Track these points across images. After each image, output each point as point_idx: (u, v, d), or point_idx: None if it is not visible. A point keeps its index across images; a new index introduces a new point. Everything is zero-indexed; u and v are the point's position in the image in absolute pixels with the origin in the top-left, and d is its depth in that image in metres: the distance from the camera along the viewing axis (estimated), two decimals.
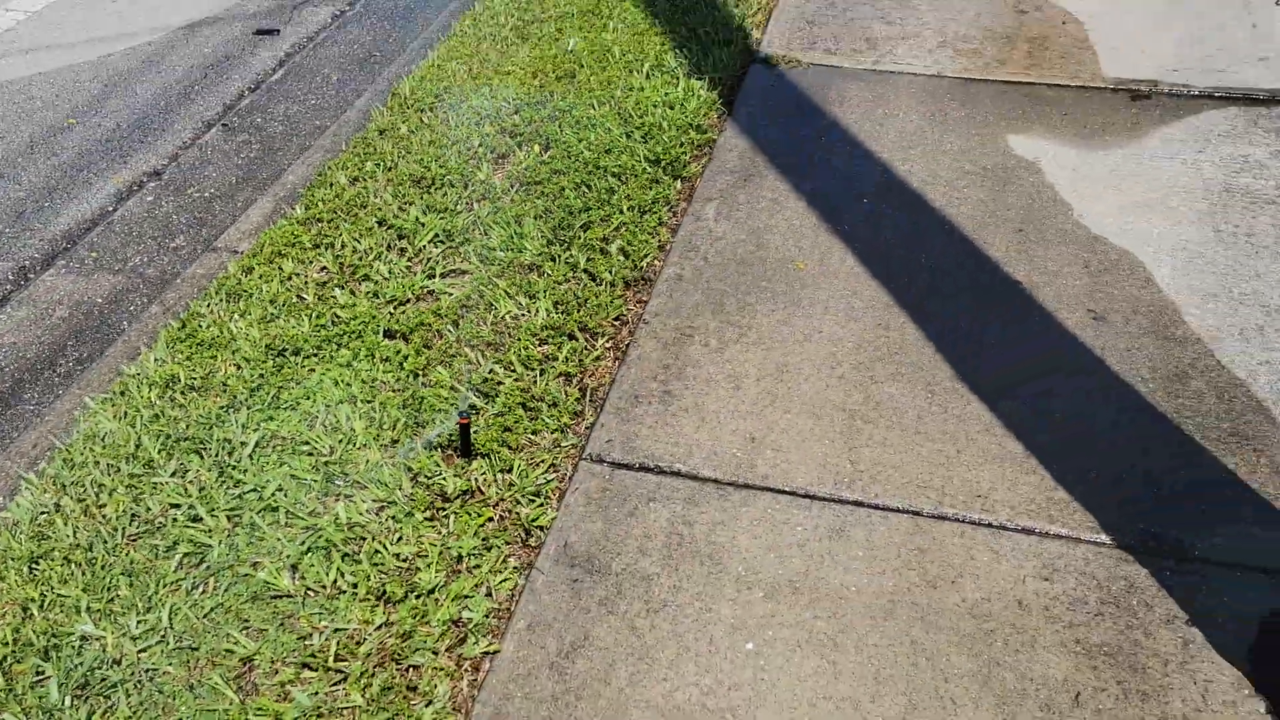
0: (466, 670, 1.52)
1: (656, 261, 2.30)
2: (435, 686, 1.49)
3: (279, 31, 3.74)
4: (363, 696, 1.48)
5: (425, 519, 1.73)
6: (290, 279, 2.29)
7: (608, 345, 2.08)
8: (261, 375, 2.03)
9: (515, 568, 1.67)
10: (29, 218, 2.80)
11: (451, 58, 3.09)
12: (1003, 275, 2.21)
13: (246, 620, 1.60)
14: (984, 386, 1.95)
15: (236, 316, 2.19)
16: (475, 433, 1.86)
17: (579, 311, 2.13)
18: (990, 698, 1.45)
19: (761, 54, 3.01)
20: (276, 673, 1.52)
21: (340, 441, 1.87)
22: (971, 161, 2.54)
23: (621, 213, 2.38)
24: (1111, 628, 1.54)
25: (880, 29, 3.11)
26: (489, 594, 1.62)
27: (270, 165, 3.01)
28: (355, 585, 1.63)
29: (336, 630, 1.57)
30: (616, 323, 2.13)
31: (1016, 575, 1.63)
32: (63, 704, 1.49)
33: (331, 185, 2.59)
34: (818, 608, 1.58)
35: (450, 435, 1.86)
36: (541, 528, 1.72)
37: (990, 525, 1.71)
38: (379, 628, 1.57)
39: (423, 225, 2.40)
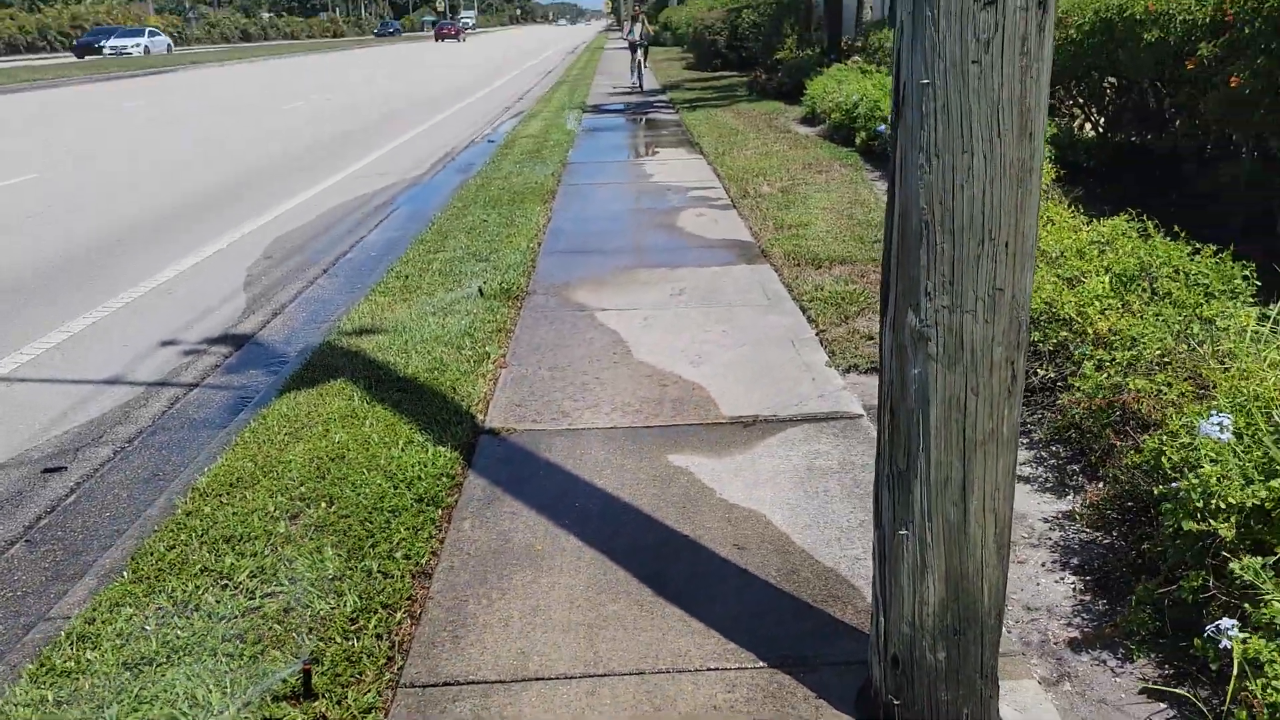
0: None
1: (432, 561, 3.08)
2: None
3: (66, 468, 4.34)
4: None
5: None
6: (131, 619, 2.81)
7: (405, 615, 2.78)
8: (122, 684, 2.52)
9: None
10: None
11: (240, 457, 3.87)
12: (676, 532, 3.21)
13: None
14: (674, 597, 2.85)
15: (89, 650, 2.67)
16: (314, 679, 2.46)
17: (379, 597, 2.84)
18: None
19: (486, 428, 4.07)
20: None
21: (201, 710, 2.39)
22: (644, 473, 3.64)
23: (400, 533, 3.18)
24: (774, 710, 2.37)
25: (570, 405, 4.31)
26: None
27: (78, 564, 3.51)
28: None
29: None
30: (410, 600, 2.86)
31: (710, 692, 2.44)
32: None
33: (152, 553, 3.18)
34: None
35: (295, 681, 2.44)
36: None
37: (690, 670, 2.53)
38: None
39: (239, 567, 3.05)
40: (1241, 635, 1.97)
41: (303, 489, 3.56)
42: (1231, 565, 2.16)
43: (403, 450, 3.80)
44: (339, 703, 2.41)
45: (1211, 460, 2.35)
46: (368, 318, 5.64)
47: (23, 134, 17.37)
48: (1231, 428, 2.39)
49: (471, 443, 3.94)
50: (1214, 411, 2.46)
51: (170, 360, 5.60)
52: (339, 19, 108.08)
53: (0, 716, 2.43)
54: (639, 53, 22.53)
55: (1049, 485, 3.43)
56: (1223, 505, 2.25)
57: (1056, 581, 2.89)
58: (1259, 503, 2.21)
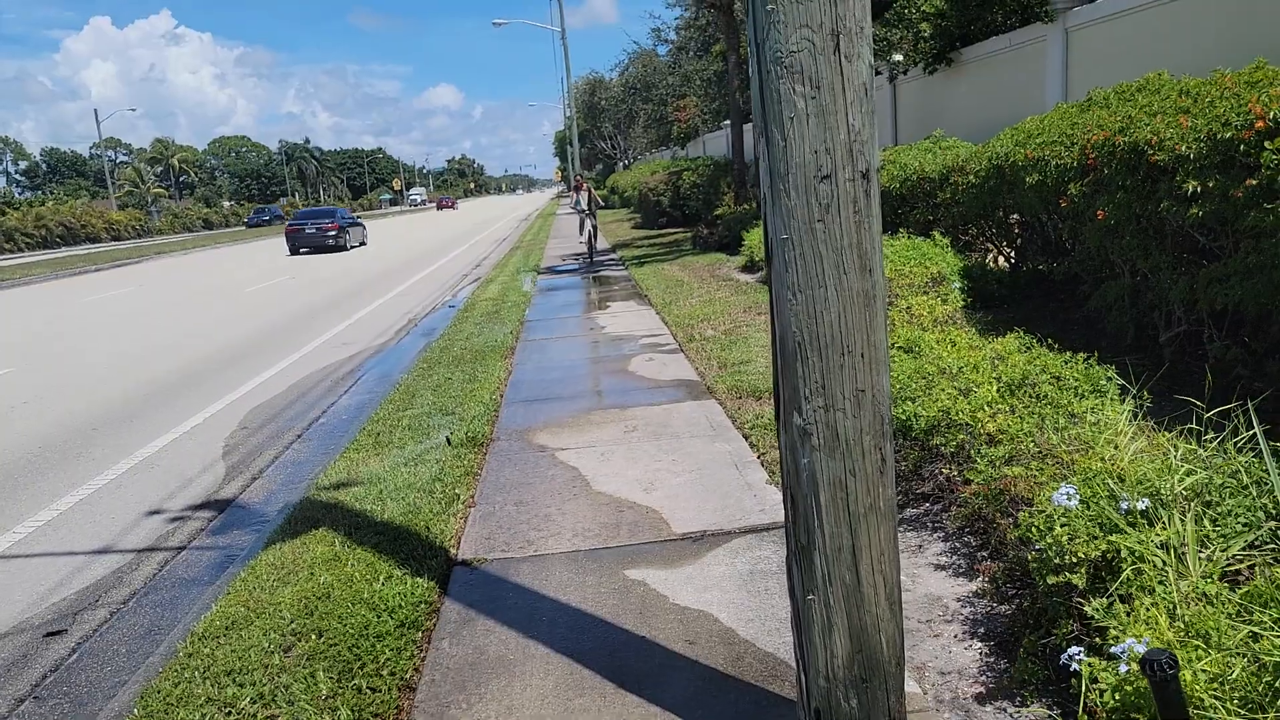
0: None
1: (416, 676, 3.43)
2: None
3: (66, 630, 4.62)
4: None
5: None
6: None
7: None
8: None
9: None
10: None
11: (233, 603, 4.21)
12: (634, 634, 3.59)
13: None
14: (634, 688, 3.22)
15: None
16: None
17: (369, 709, 3.17)
18: None
19: (459, 559, 4.46)
20: None
21: None
22: (605, 587, 4.03)
23: (385, 654, 3.53)
24: None
25: (535, 534, 4.72)
26: None
27: (86, 712, 3.79)
28: None
29: None
30: (397, 709, 3.19)
31: None
32: None
33: (159, 691, 3.49)
34: None
35: None
36: None
37: None
38: None
39: (240, 695, 3.37)
40: (1087, 660, 2.40)
41: (293, 625, 3.90)
42: (1086, 608, 2.61)
43: (384, 584, 4.16)
44: None
45: (1062, 524, 2.83)
46: (344, 473, 6.05)
47: (7, 330, 17.83)
48: (1078, 496, 2.88)
49: (446, 573, 4.32)
50: (1064, 484, 2.96)
51: (157, 528, 5.93)
52: (298, 202, 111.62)
53: None
54: (588, 221, 20.95)
55: (961, 570, 3.88)
56: (1073, 559, 2.73)
57: (965, 649, 3.31)
58: (1100, 553, 2.69)
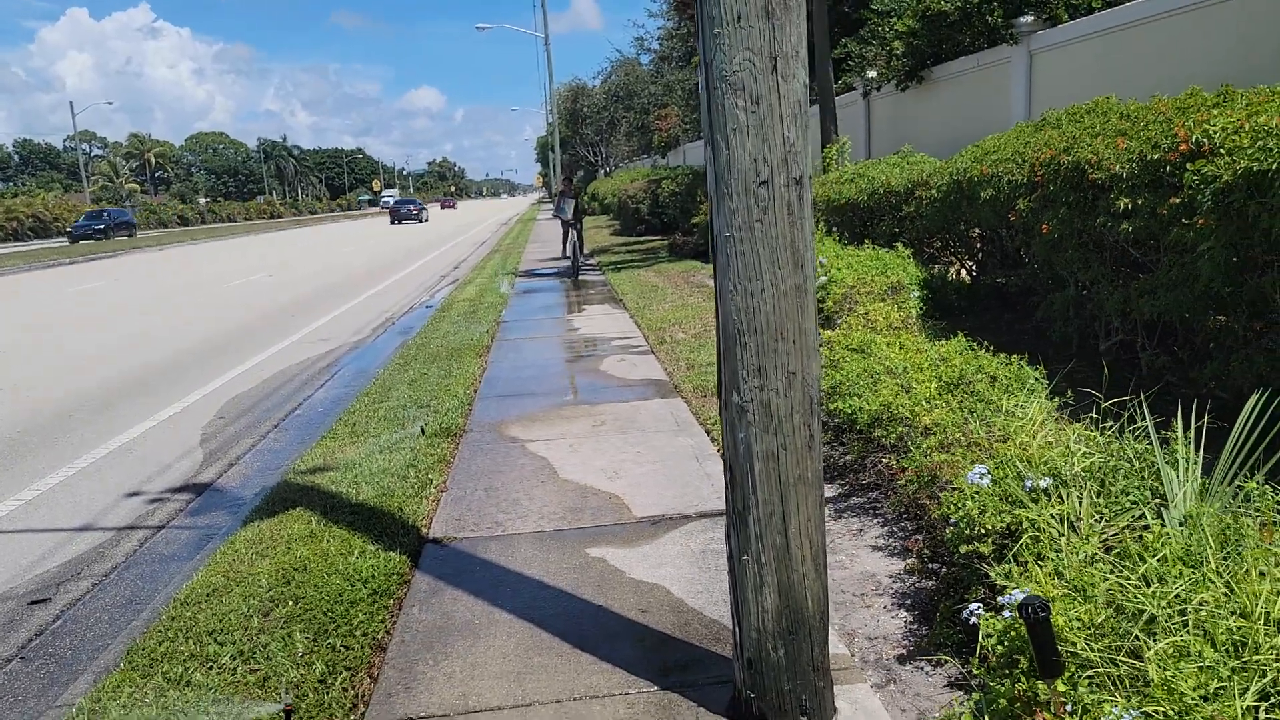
0: None
1: (387, 637, 3.69)
2: None
3: (50, 599, 4.84)
4: None
5: None
6: (132, 695, 3.35)
7: (365, 675, 3.38)
8: None
9: None
10: None
11: (214, 574, 4.45)
12: (591, 603, 3.87)
13: None
14: (588, 649, 3.50)
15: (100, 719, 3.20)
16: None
17: (343, 664, 3.43)
18: None
19: (430, 538, 4.72)
20: None
21: None
22: (566, 563, 4.31)
23: (358, 618, 3.79)
24: (665, 717, 3.02)
25: (503, 516, 4.99)
26: None
27: (71, 670, 4.02)
28: None
29: None
30: (369, 665, 3.45)
31: (615, 710, 3.07)
32: None
33: (143, 649, 3.73)
34: None
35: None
36: None
37: (599, 697, 3.17)
38: None
39: (221, 652, 3.62)
40: (985, 614, 2.70)
41: (271, 593, 4.15)
42: (991, 574, 2.92)
43: (358, 558, 4.42)
44: None
45: (974, 499, 3.14)
46: (320, 459, 6.29)
47: None
48: (989, 476, 3.20)
49: (418, 550, 4.58)
50: (977, 465, 3.28)
51: (137, 508, 6.14)
52: (275, 201, 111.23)
53: None
54: (573, 232, 18.15)
55: (895, 551, 4.19)
56: (982, 530, 3.04)
57: (892, 618, 3.62)
58: (1005, 525, 3.00)
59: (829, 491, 5.03)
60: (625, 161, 54.57)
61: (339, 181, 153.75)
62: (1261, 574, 2.23)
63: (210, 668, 3.53)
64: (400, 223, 59.72)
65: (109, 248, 44.38)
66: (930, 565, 3.77)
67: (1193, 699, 1.91)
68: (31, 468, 7.09)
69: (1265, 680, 1.95)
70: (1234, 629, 2.09)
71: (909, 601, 3.71)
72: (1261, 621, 2.08)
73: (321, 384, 9.73)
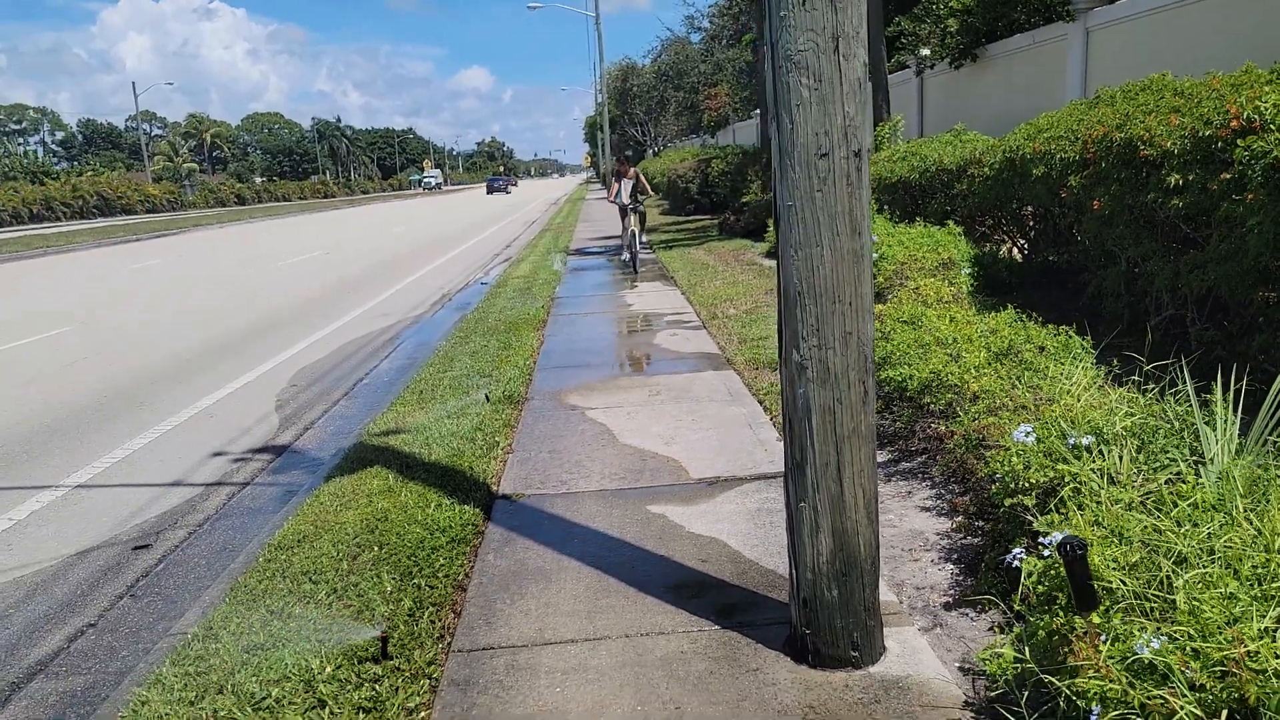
0: None
1: (466, 579, 3.99)
2: None
3: (151, 545, 5.23)
4: None
5: (371, 680, 3.16)
6: (239, 624, 3.69)
7: (449, 611, 3.68)
8: (244, 660, 3.39)
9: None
10: None
11: (303, 522, 4.79)
12: (653, 554, 4.14)
13: None
14: (653, 593, 3.77)
15: (212, 643, 3.55)
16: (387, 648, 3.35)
17: (429, 600, 3.74)
18: (679, 681, 3.11)
19: (500, 494, 5.02)
20: None
21: (309, 672, 3.27)
22: (629, 518, 4.58)
23: (439, 562, 4.09)
24: (725, 651, 3.27)
25: (567, 476, 5.27)
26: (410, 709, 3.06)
27: (178, 607, 4.39)
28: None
29: None
30: (452, 602, 3.76)
31: (679, 645, 3.34)
32: None
33: (245, 587, 4.07)
34: (584, 675, 3.18)
35: (374, 649, 3.33)
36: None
37: (664, 633, 3.43)
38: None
39: (317, 590, 3.94)
40: (1027, 558, 2.91)
41: (357, 540, 4.48)
42: (1034, 524, 3.13)
43: (435, 510, 4.73)
44: (408, 661, 3.30)
45: (1018, 456, 3.34)
46: (392, 423, 6.64)
47: (56, 294, 18.61)
48: (1034, 434, 3.39)
49: (489, 505, 4.88)
50: (1023, 425, 3.47)
51: (222, 467, 6.54)
52: (329, 180, 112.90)
53: (159, 683, 3.29)
54: (633, 219, 15.24)
55: (943, 511, 4.40)
56: (1026, 484, 3.24)
57: (939, 570, 3.83)
58: (1048, 479, 3.19)
59: (880, 457, 5.23)
60: (674, 141, 54.56)
61: (390, 161, 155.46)
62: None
63: (308, 603, 3.86)
64: (493, 193, 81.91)
65: (172, 225, 45.56)
66: (976, 523, 3.97)
67: (1216, 622, 2.11)
68: (119, 430, 7.54)
69: None
70: (1259, 563, 2.29)
71: (955, 556, 3.92)
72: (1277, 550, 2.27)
73: (386, 355, 10.12)
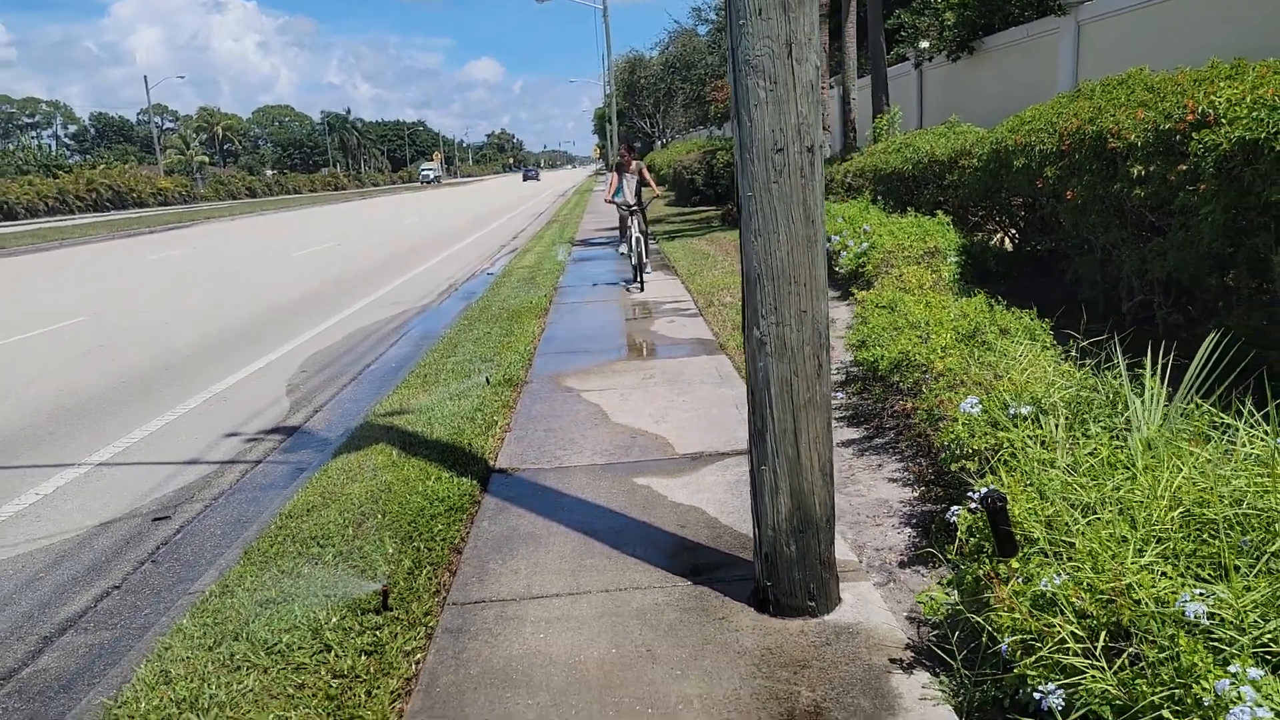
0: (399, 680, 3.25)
1: (462, 543, 4.32)
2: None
3: (170, 517, 5.58)
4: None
5: (372, 628, 3.48)
6: (253, 581, 4.03)
7: (445, 570, 4.01)
8: (258, 611, 3.72)
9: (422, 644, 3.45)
10: None
11: (311, 494, 5.13)
12: (637, 520, 4.45)
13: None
14: (633, 553, 4.08)
15: (229, 598, 3.88)
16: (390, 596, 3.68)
17: (426, 560, 4.07)
18: (640, 620, 3.43)
19: (497, 468, 5.35)
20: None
21: (316, 622, 3.60)
22: (616, 489, 4.90)
23: (438, 528, 4.42)
24: (695, 603, 3.59)
25: (560, 452, 5.59)
26: (407, 652, 3.39)
27: (196, 570, 4.73)
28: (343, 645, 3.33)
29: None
30: (448, 563, 4.08)
31: (654, 598, 3.66)
32: None
33: (258, 550, 4.41)
34: (566, 624, 3.51)
35: (376, 601, 3.66)
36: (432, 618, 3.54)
37: (641, 588, 3.75)
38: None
39: (324, 552, 4.28)
40: (962, 512, 3.21)
41: (362, 509, 4.81)
42: (974, 485, 3.43)
43: (435, 482, 5.06)
44: (406, 612, 3.62)
45: (964, 425, 3.64)
46: (397, 404, 6.97)
47: (72, 285, 19.02)
48: (979, 405, 3.68)
49: (486, 477, 5.21)
50: (970, 398, 3.77)
51: (235, 446, 6.89)
52: (339, 173, 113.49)
53: (180, 632, 3.63)
54: (635, 222, 12.65)
55: (908, 482, 4.70)
56: (970, 450, 3.54)
57: (898, 534, 4.14)
58: (989, 446, 3.49)
59: (853, 434, 5.54)
60: (681, 133, 54.75)
61: (400, 154, 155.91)
62: (1178, 470, 2.71)
63: (316, 563, 4.19)
64: (527, 181, 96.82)
65: (185, 218, 46.04)
66: (935, 490, 4.27)
67: (1105, 560, 2.41)
68: (137, 413, 7.89)
69: (1164, 546, 2.44)
70: (1151, 512, 2.58)
71: (914, 521, 4.23)
72: (1165, 501, 2.56)
73: (393, 342, 10.46)
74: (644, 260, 12.58)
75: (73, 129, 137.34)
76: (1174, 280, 6.01)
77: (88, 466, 6.51)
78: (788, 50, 3.13)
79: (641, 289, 12.20)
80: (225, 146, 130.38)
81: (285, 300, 14.34)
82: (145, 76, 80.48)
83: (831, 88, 20.46)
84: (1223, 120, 5.00)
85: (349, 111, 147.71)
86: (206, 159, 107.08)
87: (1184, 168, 5.24)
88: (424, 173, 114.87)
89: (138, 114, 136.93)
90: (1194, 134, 5.17)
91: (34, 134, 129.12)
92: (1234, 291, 5.34)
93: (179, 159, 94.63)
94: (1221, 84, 5.38)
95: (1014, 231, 10.76)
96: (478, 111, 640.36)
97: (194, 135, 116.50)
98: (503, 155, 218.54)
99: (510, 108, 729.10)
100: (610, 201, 13.36)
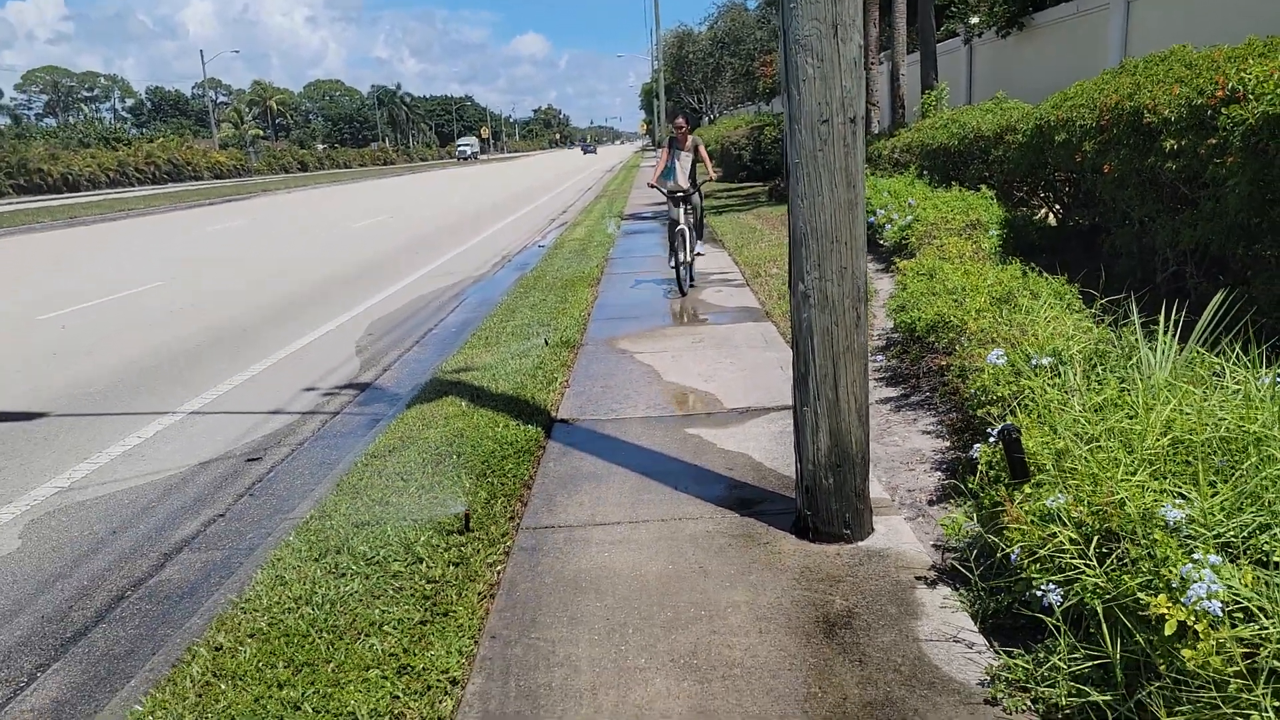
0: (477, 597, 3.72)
1: (531, 479, 4.78)
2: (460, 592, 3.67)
3: (261, 458, 6.12)
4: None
5: (457, 545, 3.96)
6: (348, 508, 4.53)
7: (517, 501, 4.48)
8: (354, 532, 4.22)
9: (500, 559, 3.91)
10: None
11: (391, 438, 5.62)
12: (688, 463, 4.88)
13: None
14: (686, 490, 4.51)
15: (327, 521, 4.38)
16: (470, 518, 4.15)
17: (501, 493, 4.54)
18: (701, 550, 3.86)
19: (559, 418, 5.80)
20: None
21: (408, 542, 4.08)
22: (668, 437, 5.33)
23: (509, 466, 4.89)
24: (743, 530, 4.01)
25: (616, 406, 6.04)
26: (489, 563, 3.86)
27: (291, 503, 5.25)
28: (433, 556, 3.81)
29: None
30: (520, 495, 4.55)
31: (705, 526, 4.09)
32: None
33: (349, 483, 4.91)
34: (627, 545, 3.95)
35: (459, 523, 4.13)
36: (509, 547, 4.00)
37: (692, 518, 4.18)
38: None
39: (427, 485, 4.76)
40: (982, 448, 3.59)
41: (438, 450, 5.29)
42: (996, 426, 3.79)
43: (503, 429, 5.53)
44: (486, 534, 4.09)
45: (989, 374, 4.00)
46: (462, 362, 7.46)
47: (142, 253, 19.85)
48: (1005, 357, 4.04)
49: (549, 426, 5.67)
50: (997, 350, 4.12)
51: (313, 399, 7.43)
52: (389, 148, 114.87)
53: (288, 546, 4.14)
54: (685, 213, 10.00)
55: (940, 435, 5.07)
56: (995, 396, 3.90)
57: (929, 477, 4.52)
58: (1011, 393, 3.86)
59: (892, 393, 5.91)
60: (729, 108, 54.70)
61: (448, 129, 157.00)
62: (1175, 406, 3.07)
63: (402, 494, 4.68)
64: (586, 155, 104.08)
65: (241, 190, 47.18)
66: (964, 438, 4.64)
67: (1100, 477, 2.79)
68: (221, 368, 8.48)
69: (1154, 468, 2.81)
70: (1148, 443, 2.94)
71: (944, 467, 4.61)
72: (1157, 430, 2.92)
73: (452, 309, 10.97)
74: (691, 259, 10.20)
75: (130, 102, 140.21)
76: (1204, 250, 6.26)
77: (181, 414, 7.09)
78: (834, 30, 3.50)
79: (683, 295, 10.00)
80: (277, 120, 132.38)
81: (346, 268, 14.94)
82: (201, 51, 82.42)
83: (881, 64, 20.55)
84: (1251, 96, 5.25)
85: (399, 86, 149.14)
86: (259, 132, 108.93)
87: (1214, 141, 5.50)
88: (461, 149, 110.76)
89: (192, 88, 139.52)
90: (1224, 109, 5.43)
91: (94, 107, 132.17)
92: (1262, 261, 5.60)
93: (233, 133, 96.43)
94: (1253, 61, 5.62)
95: (1058, 206, 10.95)
96: (523, 87, 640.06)
97: (247, 109, 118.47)
98: (549, 130, 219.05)
99: (556, 83, 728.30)
100: (655, 185, 10.45)
